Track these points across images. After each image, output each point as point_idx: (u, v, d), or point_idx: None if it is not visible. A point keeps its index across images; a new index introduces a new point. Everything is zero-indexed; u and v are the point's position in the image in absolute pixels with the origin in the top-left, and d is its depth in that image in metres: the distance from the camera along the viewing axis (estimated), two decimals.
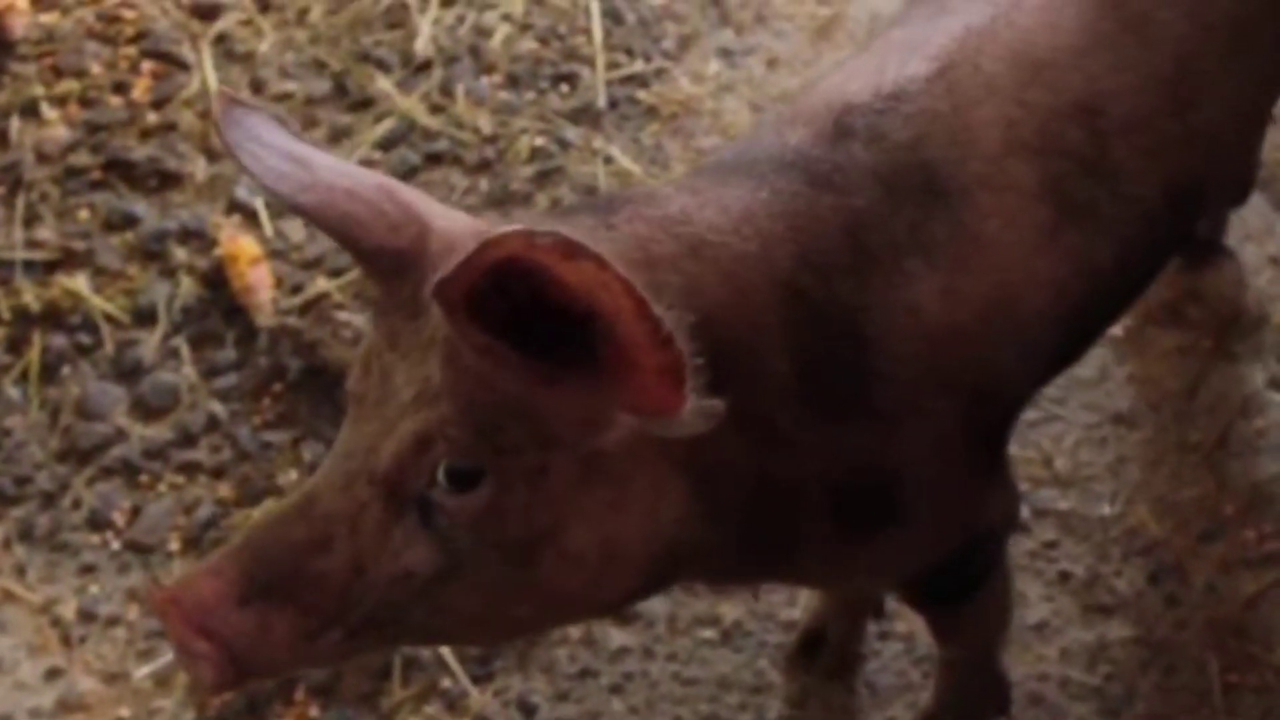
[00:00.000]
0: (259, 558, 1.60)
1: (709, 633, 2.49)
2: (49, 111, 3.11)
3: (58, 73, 3.16)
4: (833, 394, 1.75)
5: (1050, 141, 1.89)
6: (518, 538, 1.60)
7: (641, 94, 3.10)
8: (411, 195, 1.70)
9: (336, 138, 3.06)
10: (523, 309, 1.49)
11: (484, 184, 2.99)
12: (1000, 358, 1.88)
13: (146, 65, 3.16)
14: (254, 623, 1.59)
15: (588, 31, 3.15)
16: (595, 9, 3.18)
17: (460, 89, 3.10)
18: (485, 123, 3.06)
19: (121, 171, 3.03)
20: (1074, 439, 2.66)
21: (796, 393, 1.72)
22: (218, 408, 2.77)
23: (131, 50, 3.17)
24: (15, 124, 3.08)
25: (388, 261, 1.64)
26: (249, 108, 1.73)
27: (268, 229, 2.95)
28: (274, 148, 1.70)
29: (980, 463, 1.95)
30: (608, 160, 3.02)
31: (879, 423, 1.79)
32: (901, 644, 2.49)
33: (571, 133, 3.06)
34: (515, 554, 1.61)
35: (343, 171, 1.70)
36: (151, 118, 3.09)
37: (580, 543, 1.62)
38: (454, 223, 1.69)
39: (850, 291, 1.75)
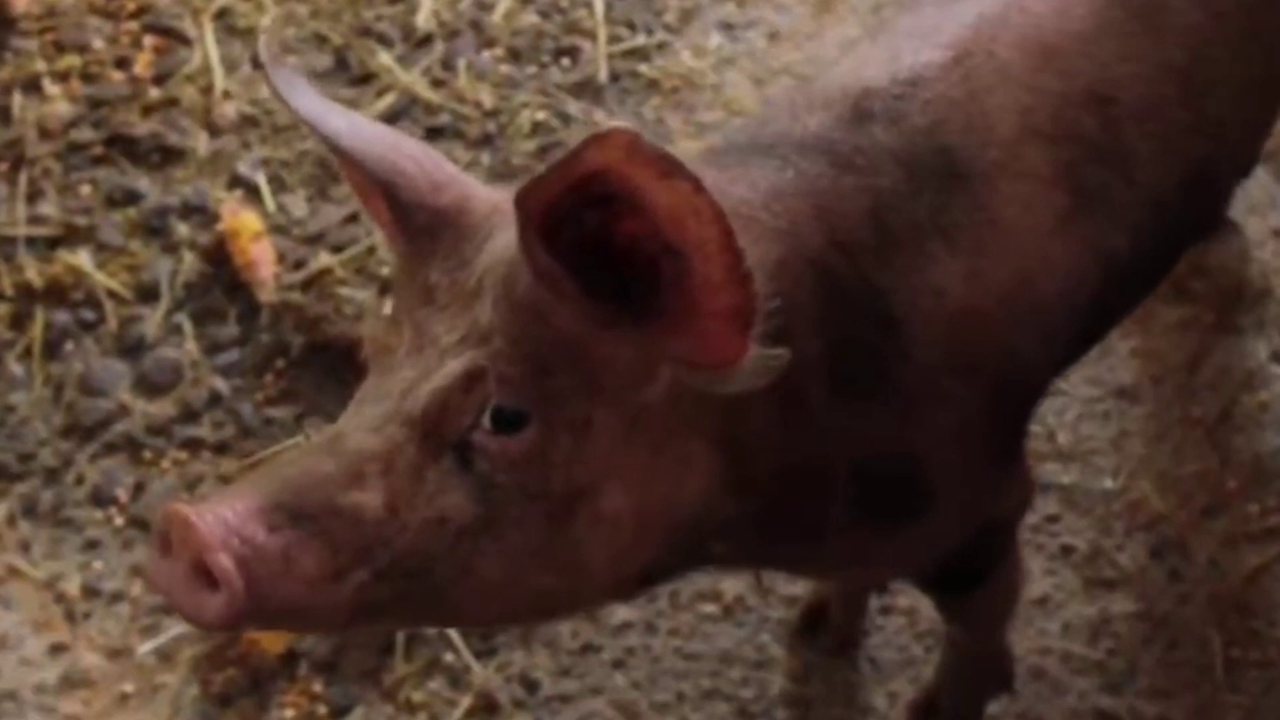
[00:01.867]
0: (287, 487, 1.52)
1: (711, 608, 2.50)
2: (51, 87, 3.10)
3: (59, 48, 3.16)
4: (860, 374, 1.75)
5: (1064, 128, 1.89)
6: (556, 491, 1.56)
7: (643, 68, 3.09)
8: (451, 166, 1.70)
9: None
10: (587, 247, 1.49)
11: (485, 158, 2.99)
12: (1021, 344, 1.88)
13: (148, 40, 3.15)
14: (279, 549, 1.50)
15: (589, 5, 3.14)
16: None
17: (462, 63, 3.10)
18: (487, 97, 3.05)
19: (123, 147, 3.03)
20: (1076, 413, 2.66)
21: (826, 371, 1.72)
22: (220, 384, 2.77)
23: (133, 25, 3.16)
24: (17, 100, 3.07)
25: (424, 218, 1.64)
26: (303, 76, 1.75)
27: (270, 204, 2.94)
28: (319, 97, 1.73)
29: (1001, 450, 1.95)
30: None
31: (903, 406, 1.79)
32: (904, 619, 2.49)
33: (573, 107, 3.05)
34: (551, 509, 1.57)
35: (388, 130, 1.72)
36: (153, 93, 3.09)
37: (615, 505, 1.59)
38: (495, 191, 1.68)
39: (876, 272, 1.76)
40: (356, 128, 1.69)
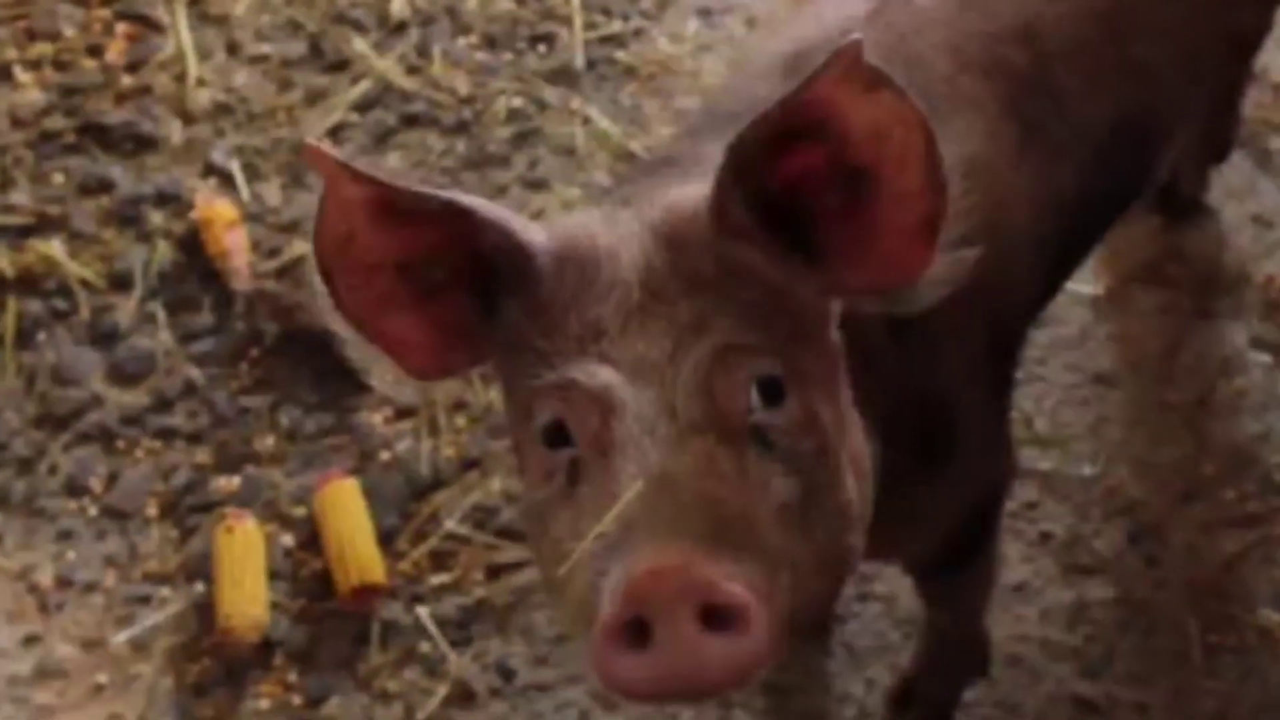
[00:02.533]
0: (683, 527, 1.43)
1: None
2: (22, 75, 3.08)
3: (31, 35, 3.14)
4: (901, 319, 1.74)
5: (996, 63, 1.93)
6: (831, 443, 1.54)
7: (620, 54, 3.08)
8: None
9: (313, 100, 3.04)
10: (759, 200, 1.51)
11: (461, 145, 2.97)
12: (1004, 278, 1.90)
13: (121, 28, 3.13)
14: (740, 573, 1.41)
15: None
16: None
17: (437, 50, 3.08)
18: (462, 84, 3.04)
19: (96, 135, 3.01)
20: (1054, 399, 2.65)
21: (883, 320, 1.73)
22: (195, 373, 2.75)
23: (105, 13, 3.14)
24: None
25: (522, 261, 1.55)
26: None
27: (244, 192, 2.93)
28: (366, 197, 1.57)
29: (1002, 394, 1.99)
30: (586, 121, 3.00)
31: (926, 342, 1.80)
32: (881, 606, 2.48)
33: (549, 93, 3.04)
34: (836, 461, 1.54)
35: (462, 202, 1.57)
36: (126, 81, 3.07)
37: (855, 445, 1.60)
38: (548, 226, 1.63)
39: None
40: (422, 209, 1.56)
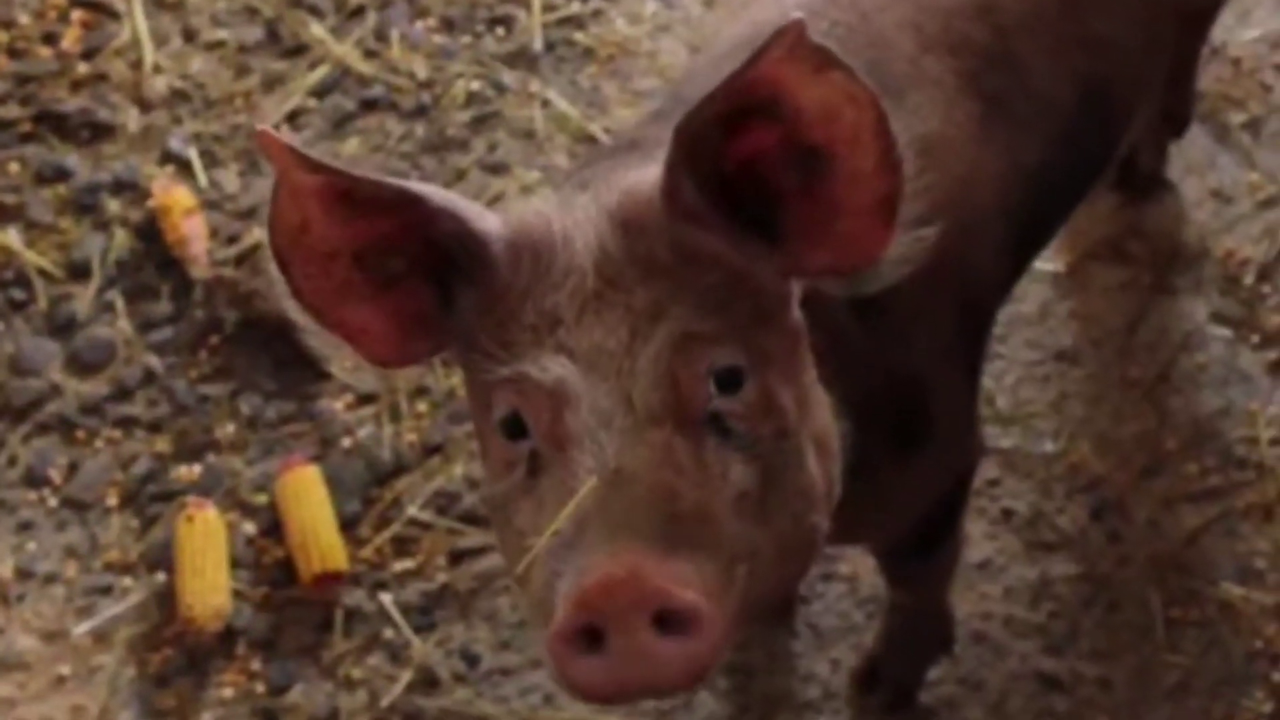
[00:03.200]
0: (640, 523, 1.42)
1: None
2: None
3: None
4: (871, 303, 1.72)
5: (957, 39, 1.93)
6: (792, 425, 1.53)
7: (578, 36, 3.07)
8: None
9: (270, 86, 3.02)
10: (712, 180, 1.49)
11: (420, 130, 2.96)
12: (973, 256, 1.90)
13: (76, 15, 3.11)
14: (694, 573, 1.41)
15: None
16: None
17: (394, 34, 3.06)
18: (420, 68, 3.02)
19: (52, 123, 2.99)
20: (1015, 376, 2.65)
21: (849, 306, 1.72)
22: (154, 361, 2.74)
23: (60, 0, 3.12)
24: None
25: (476, 251, 1.55)
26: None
27: (201, 179, 2.91)
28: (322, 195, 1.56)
29: (973, 374, 1.98)
30: (545, 103, 2.99)
31: (895, 323, 1.80)
32: (845, 586, 2.48)
33: (508, 76, 3.02)
34: (797, 443, 1.53)
35: (414, 191, 1.57)
36: (82, 68, 3.05)
37: (818, 424, 1.58)
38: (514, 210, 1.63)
39: None
40: (378, 199, 1.55)
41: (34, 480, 2.64)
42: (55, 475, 2.64)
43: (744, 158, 1.51)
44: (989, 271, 1.98)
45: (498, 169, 2.92)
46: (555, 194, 1.67)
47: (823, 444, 1.60)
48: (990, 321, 2.05)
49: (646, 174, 1.55)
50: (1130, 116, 2.17)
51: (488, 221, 1.57)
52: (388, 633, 2.49)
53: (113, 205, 2.89)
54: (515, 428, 1.53)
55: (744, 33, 1.89)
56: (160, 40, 3.08)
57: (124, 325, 2.78)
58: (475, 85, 3.01)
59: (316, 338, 2.59)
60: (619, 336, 1.50)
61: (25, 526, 2.61)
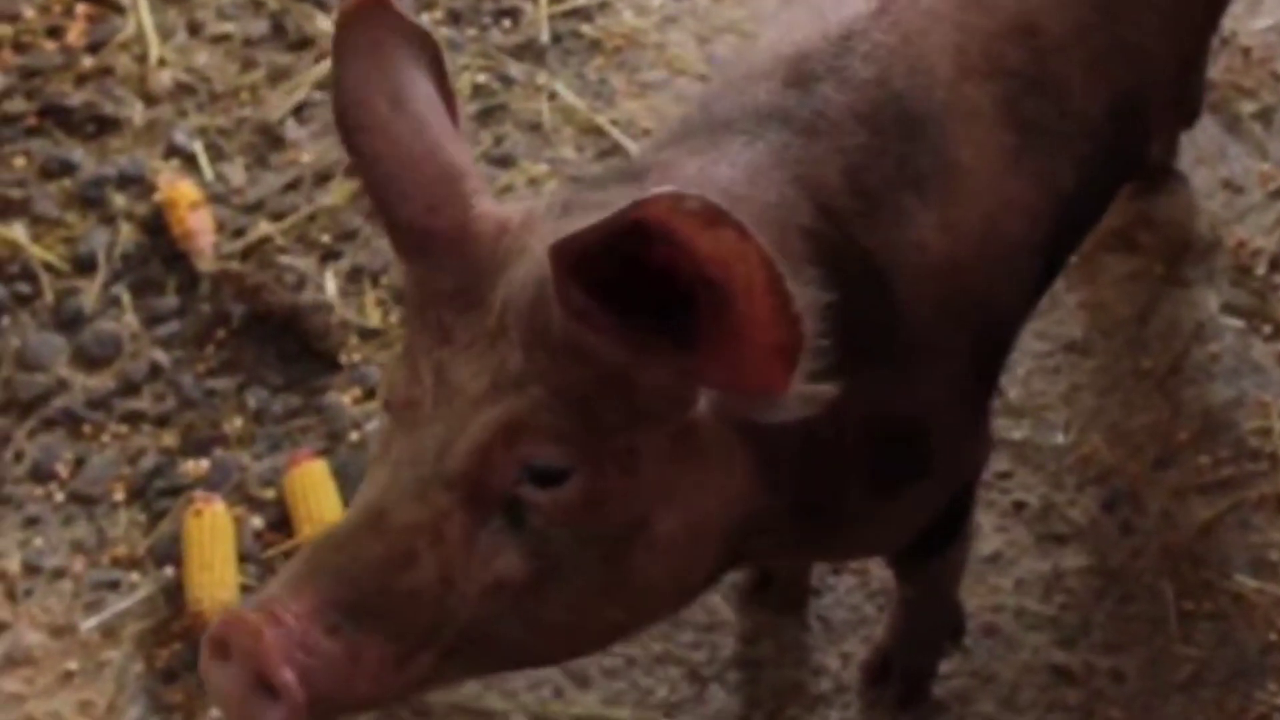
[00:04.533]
0: (339, 581, 1.48)
1: None
2: None
3: None
4: (861, 340, 1.71)
5: (996, 63, 1.88)
6: (611, 529, 1.53)
7: (585, 28, 3.06)
8: (473, 184, 1.61)
9: (275, 79, 3.02)
10: (620, 276, 1.44)
11: None
12: (995, 289, 1.87)
13: (81, 8, 3.10)
14: (343, 652, 1.47)
15: None
16: None
17: None
18: None
19: (57, 117, 2.99)
20: (1026, 368, 2.64)
21: (835, 343, 1.69)
22: (160, 356, 2.73)
23: None
24: None
25: (418, 241, 1.58)
26: (398, 20, 1.63)
27: (207, 173, 2.90)
28: (380, 72, 1.61)
29: (983, 404, 1.95)
30: (552, 96, 2.98)
31: (903, 366, 1.77)
32: (855, 578, 2.47)
33: (515, 69, 3.01)
34: (608, 547, 1.54)
35: (423, 135, 1.60)
36: (87, 62, 3.04)
37: (670, 526, 1.56)
38: (498, 208, 1.62)
39: (862, 234, 1.73)
40: (384, 121, 1.59)
41: (41, 475, 2.63)
42: (62, 470, 2.63)
43: (659, 265, 1.45)
44: (1012, 303, 1.94)
45: (505, 161, 2.91)
46: (546, 204, 1.65)
47: (678, 541, 1.57)
48: (1009, 349, 2.00)
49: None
50: (1155, 117, 2.15)
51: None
52: None
53: (118, 199, 2.88)
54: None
55: (784, 52, 1.84)
56: (165, 34, 3.08)
57: (130, 319, 2.77)
58: (482, 77, 3.01)
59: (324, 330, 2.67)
60: (475, 387, 1.51)
61: (32, 521, 2.60)
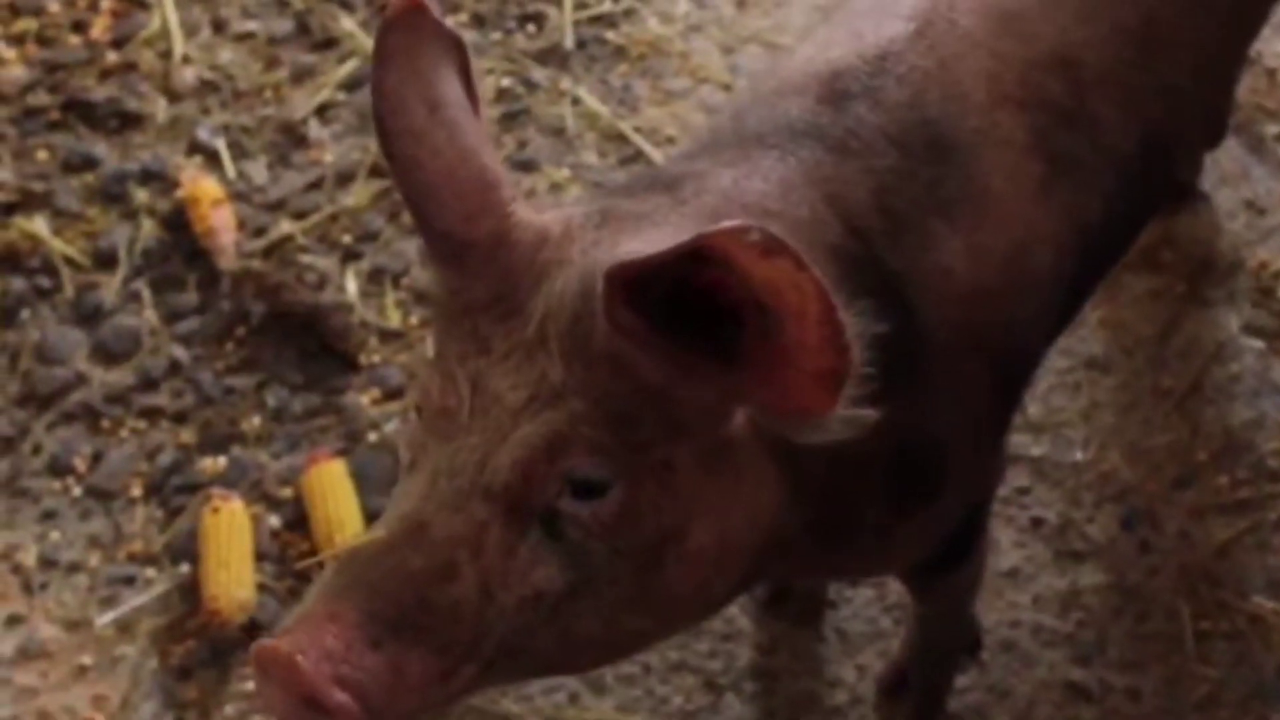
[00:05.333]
0: (380, 594, 1.48)
1: None
2: (6, 50, 3.05)
3: (15, 11, 3.11)
4: (888, 364, 1.71)
5: (1032, 93, 1.87)
6: (647, 541, 1.53)
7: (610, 34, 3.06)
8: (509, 191, 1.61)
9: (300, 78, 3.02)
10: (669, 295, 1.44)
11: None
12: (1020, 317, 1.86)
13: (106, 3, 3.11)
14: (387, 666, 1.47)
15: None
16: None
17: None
18: None
19: (81, 112, 2.99)
20: (1047, 384, 2.63)
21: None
22: (180, 352, 2.73)
23: None
24: None
25: (452, 250, 1.57)
26: (435, 26, 1.62)
27: (230, 170, 2.90)
28: (419, 77, 1.60)
29: (1001, 427, 1.94)
30: (575, 101, 2.98)
31: (925, 389, 1.76)
32: (871, 591, 2.46)
33: (538, 73, 3.02)
34: (643, 559, 1.54)
35: (458, 142, 1.60)
36: (111, 57, 3.04)
37: (702, 539, 1.56)
38: (537, 215, 1.61)
39: (889, 255, 1.73)
40: (421, 128, 1.59)
41: (58, 469, 2.63)
42: (80, 464, 2.63)
43: (706, 284, 1.45)
44: (1035, 332, 1.94)
45: (528, 166, 2.91)
46: (578, 210, 1.64)
47: (709, 554, 1.58)
48: (1031, 375, 2.00)
49: (636, 250, 1.51)
50: (1187, 159, 2.15)
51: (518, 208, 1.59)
52: None
53: (140, 195, 2.88)
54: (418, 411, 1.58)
55: (819, 70, 1.83)
56: (190, 31, 3.08)
57: (150, 315, 2.77)
58: (505, 82, 3.01)
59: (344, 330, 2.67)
60: (514, 399, 1.51)
61: (49, 515, 2.60)
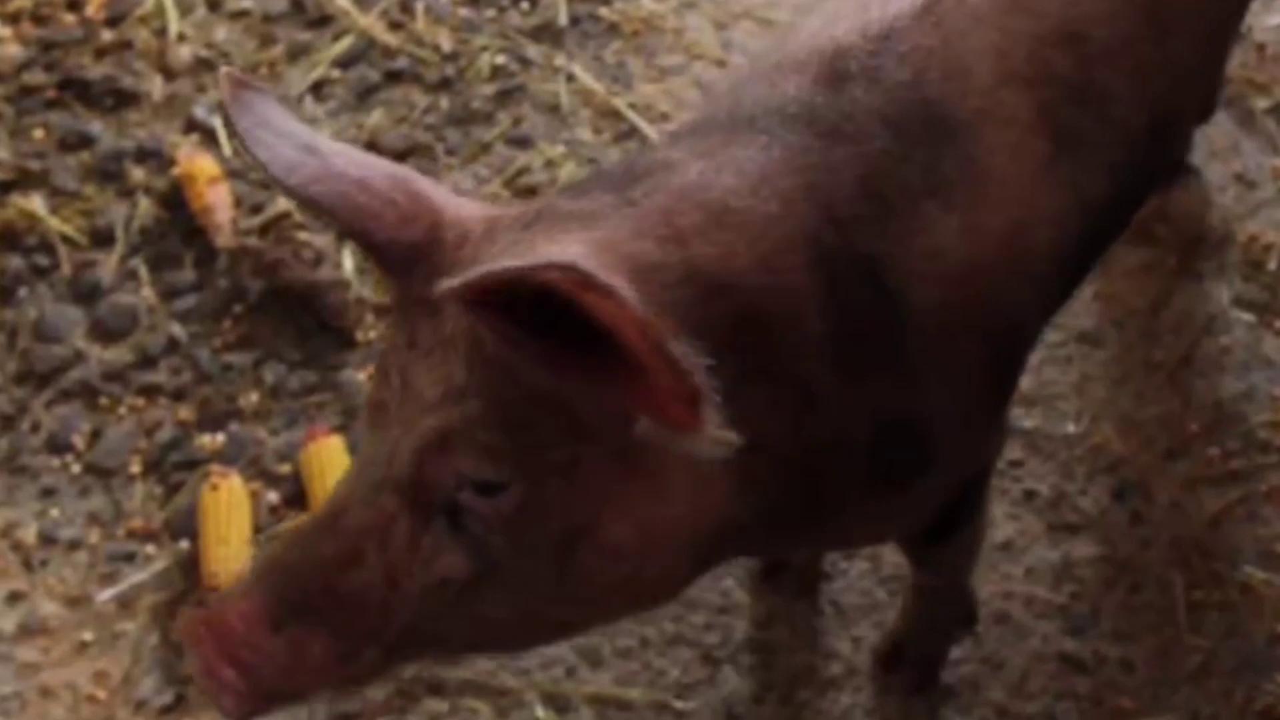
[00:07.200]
0: (289, 579, 1.56)
1: None
2: (1, 29, 3.06)
3: None
4: (866, 349, 1.72)
5: (1040, 69, 1.87)
6: (553, 535, 1.56)
7: (603, 11, 3.07)
8: (424, 184, 1.66)
9: (294, 56, 3.02)
10: (549, 304, 1.45)
11: (444, 102, 2.96)
12: (1016, 295, 1.86)
13: None
14: (287, 649, 1.55)
15: None
16: None
17: (420, 6, 3.06)
18: (445, 40, 3.02)
19: (76, 90, 2.99)
20: (1039, 357, 2.65)
21: (831, 351, 1.69)
22: (177, 329, 2.74)
23: None
24: None
25: (400, 254, 1.61)
26: (257, 90, 1.68)
27: (226, 148, 2.91)
28: (285, 135, 1.65)
29: (995, 401, 1.95)
30: (570, 78, 2.99)
31: (910, 374, 1.77)
32: (867, 563, 2.48)
33: (533, 50, 3.02)
34: (551, 552, 1.57)
35: (355, 160, 1.65)
36: (106, 35, 3.05)
37: (617, 536, 1.59)
38: (467, 210, 1.65)
39: (873, 242, 1.73)
40: (321, 168, 1.63)
41: (57, 447, 2.64)
42: (78, 442, 2.64)
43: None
44: (1033, 309, 1.95)
45: (522, 143, 2.92)
46: (515, 209, 1.67)
47: (631, 548, 1.60)
48: (1026, 349, 2.00)
49: (551, 253, 1.53)
50: (1189, 133, 2.15)
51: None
52: None
53: (137, 173, 2.89)
54: None
55: (822, 46, 1.83)
56: (185, 9, 3.08)
57: (148, 293, 2.78)
58: (500, 59, 3.01)
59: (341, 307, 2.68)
60: (430, 395, 1.55)
61: (48, 493, 2.61)
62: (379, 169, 1.65)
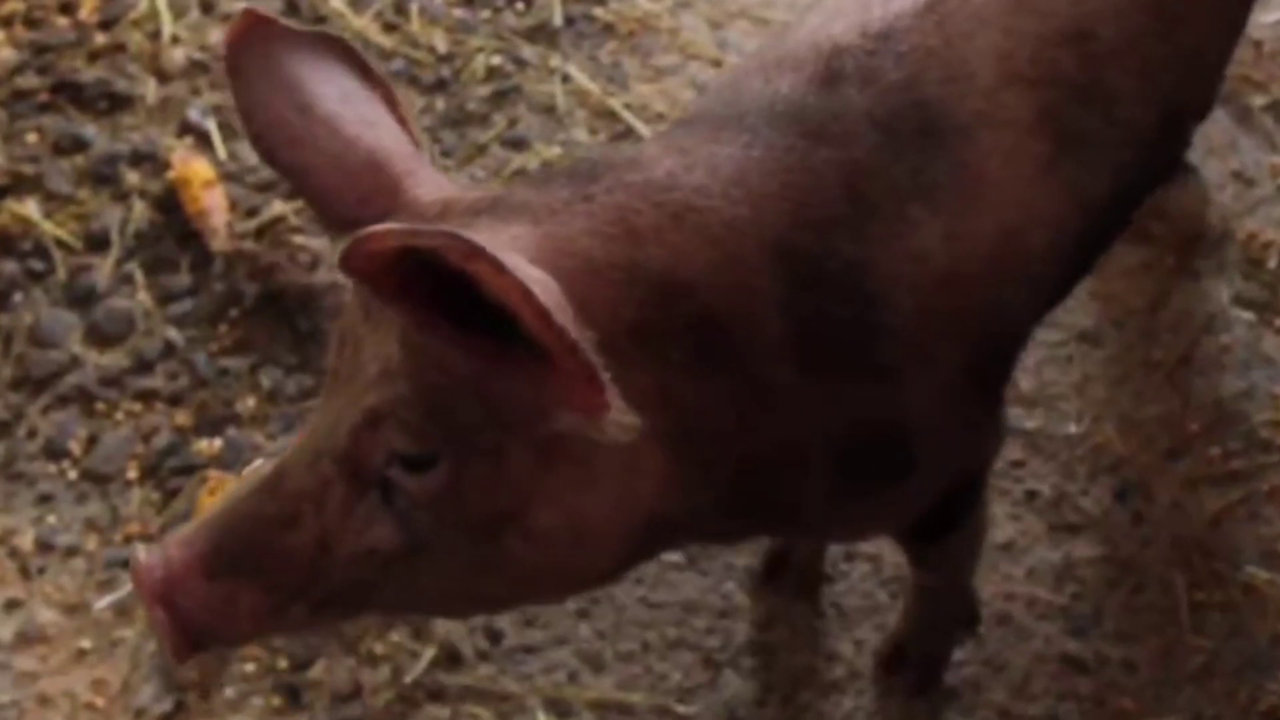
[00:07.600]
0: (229, 532, 1.62)
1: (675, 556, 2.48)
2: None
3: None
4: (835, 351, 1.71)
5: (1044, 70, 1.85)
6: (479, 518, 1.60)
7: (599, 11, 3.06)
8: (403, 165, 1.64)
9: None
10: (454, 288, 1.45)
11: (440, 103, 2.95)
12: (1005, 299, 1.85)
13: None
14: (219, 596, 1.61)
15: None
16: None
17: (414, 7, 3.05)
18: (440, 41, 3.01)
19: (70, 94, 2.98)
20: (1039, 357, 2.65)
21: (795, 353, 1.69)
22: (174, 334, 2.73)
23: None
24: None
25: (347, 231, 1.59)
26: (280, 31, 1.67)
27: (221, 151, 2.90)
28: (284, 87, 1.64)
29: (983, 406, 1.94)
30: (565, 79, 2.98)
31: (885, 377, 1.76)
32: (868, 565, 2.48)
33: (528, 51, 3.01)
34: (478, 533, 1.61)
35: (340, 133, 1.64)
36: (100, 38, 3.03)
37: (545, 522, 1.61)
38: (427, 193, 1.64)
39: (851, 245, 1.71)
40: (299, 133, 1.63)
41: (54, 452, 2.63)
42: (75, 447, 2.63)
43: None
44: (1025, 311, 1.94)
45: (518, 144, 2.91)
46: (473, 194, 1.67)
47: (560, 535, 1.62)
48: (1017, 348, 1.99)
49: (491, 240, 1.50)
50: (1192, 131, 2.14)
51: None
52: None
53: (131, 177, 2.88)
54: None
55: (820, 42, 1.82)
56: (178, 11, 3.07)
57: (143, 297, 2.77)
58: (495, 60, 3.00)
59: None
60: (372, 370, 1.57)
61: (45, 499, 2.60)
62: (362, 145, 1.64)
